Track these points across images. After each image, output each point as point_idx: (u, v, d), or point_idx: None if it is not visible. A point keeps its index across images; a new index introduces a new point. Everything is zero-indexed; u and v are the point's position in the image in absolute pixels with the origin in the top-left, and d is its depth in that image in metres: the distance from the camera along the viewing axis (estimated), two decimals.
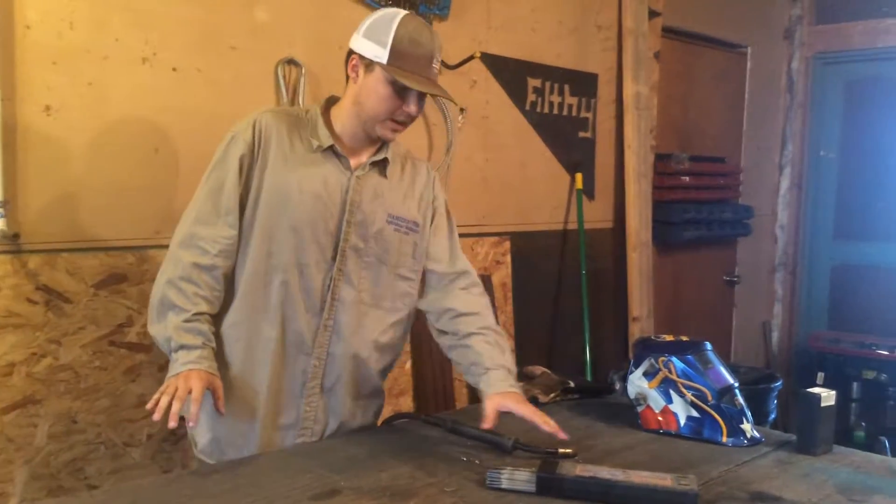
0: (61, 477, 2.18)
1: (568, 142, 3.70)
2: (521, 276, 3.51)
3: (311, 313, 1.76)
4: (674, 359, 1.86)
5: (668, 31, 4.13)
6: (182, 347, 1.63)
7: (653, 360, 1.89)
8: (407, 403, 3.06)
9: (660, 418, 1.86)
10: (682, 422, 1.83)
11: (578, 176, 3.72)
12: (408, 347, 3.06)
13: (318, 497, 1.40)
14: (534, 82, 3.51)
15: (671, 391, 1.85)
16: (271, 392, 1.75)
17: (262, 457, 1.66)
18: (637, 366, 1.91)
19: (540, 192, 3.61)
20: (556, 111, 3.62)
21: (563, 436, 1.64)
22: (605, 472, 1.46)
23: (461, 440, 1.71)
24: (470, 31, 3.20)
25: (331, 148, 1.76)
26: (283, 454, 1.68)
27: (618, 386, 2.09)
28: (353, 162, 1.79)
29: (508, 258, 3.46)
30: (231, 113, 2.23)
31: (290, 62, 2.65)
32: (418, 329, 3.03)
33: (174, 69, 2.35)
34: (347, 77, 1.78)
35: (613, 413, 2.00)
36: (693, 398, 1.82)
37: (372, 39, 1.71)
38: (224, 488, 1.43)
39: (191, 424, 1.62)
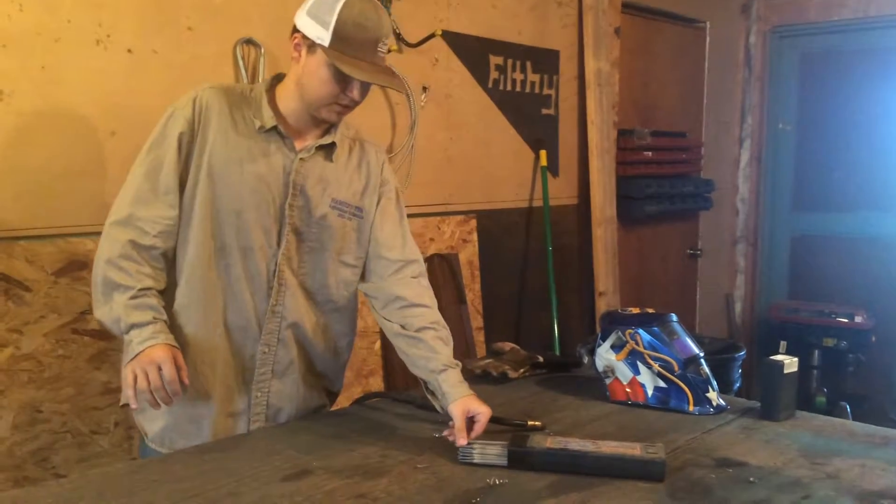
0: (27, 467, 2.15)
1: (531, 119, 3.71)
2: (488, 254, 3.52)
3: (257, 298, 1.72)
4: (640, 331, 1.89)
5: (627, 7, 4.14)
6: (134, 326, 1.58)
7: (620, 333, 1.91)
8: (377, 383, 3.07)
9: (628, 390, 1.89)
10: (650, 392, 1.86)
11: (542, 153, 3.73)
12: (377, 328, 3.06)
13: (289, 478, 1.40)
14: (496, 60, 3.50)
15: (638, 363, 1.87)
16: (221, 379, 1.72)
17: (229, 440, 1.65)
18: (604, 339, 1.93)
19: (505, 170, 3.61)
20: (518, 88, 3.62)
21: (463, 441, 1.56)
22: (574, 444, 1.47)
23: (430, 416, 1.72)
24: (431, 8, 3.18)
25: (274, 128, 1.71)
26: (250, 437, 1.67)
27: (586, 359, 2.11)
28: (297, 143, 1.74)
29: (475, 236, 3.46)
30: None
31: (249, 42, 2.61)
32: None
33: (129, 51, 2.30)
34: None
35: (582, 386, 2.02)
36: (660, 369, 1.85)
37: (315, 19, 1.64)
38: (192, 472, 1.42)
39: (178, 396, 1.57)
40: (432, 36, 3.09)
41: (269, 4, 2.64)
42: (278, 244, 1.73)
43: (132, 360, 1.56)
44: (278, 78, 1.78)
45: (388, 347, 3.08)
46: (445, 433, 1.61)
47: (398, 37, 3.05)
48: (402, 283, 1.83)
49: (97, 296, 1.65)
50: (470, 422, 1.59)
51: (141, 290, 1.62)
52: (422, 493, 1.34)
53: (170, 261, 1.70)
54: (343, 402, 2.87)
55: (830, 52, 4.87)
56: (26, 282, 2.13)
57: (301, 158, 1.73)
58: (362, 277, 1.87)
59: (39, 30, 2.14)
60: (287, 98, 1.72)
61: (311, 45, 1.64)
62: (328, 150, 1.77)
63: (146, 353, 1.55)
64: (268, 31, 2.65)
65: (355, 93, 1.67)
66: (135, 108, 2.31)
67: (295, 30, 1.68)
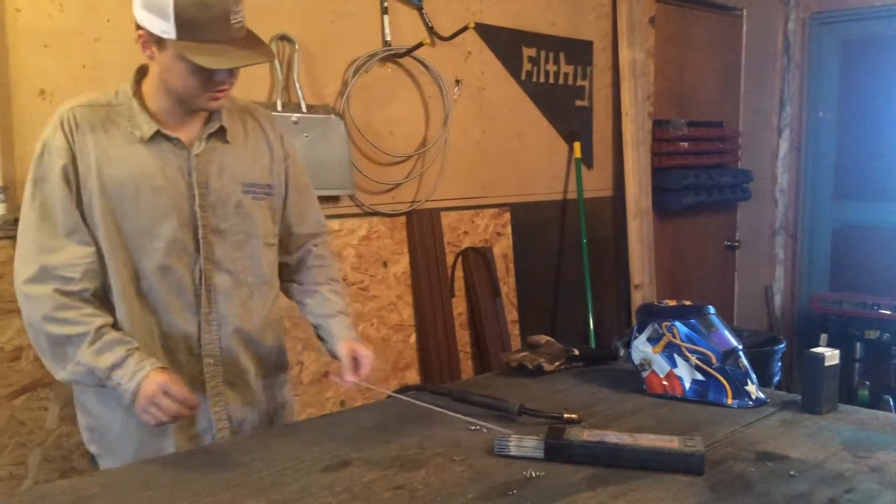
0: (73, 458, 2.20)
1: (565, 111, 3.69)
2: (522, 247, 3.51)
3: (188, 312, 1.65)
4: (677, 323, 1.87)
5: None
6: (113, 368, 1.52)
7: (656, 326, 1.89)
8: (413, 376, 3.08)
9: (665, 383, 1.87)
10: (687, 385, 1.84)
11: (576, 145, 3.71)
12: (412, 321, 3.07)
13: (328, 469, 1.41)
14: (529, 52, 3.49)
15: (675, 355, 1.85)
16: None
17: (271, 431, 1.67)
18: (641, 331, 1.92)
19: (538, 163, 3.60)
20: (552, 80, 3.61)
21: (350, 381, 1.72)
22: (612, 437, 1.47)
23: (467, 409, 1.72)
24: (463, 1, 3.18)
25: (157, 133, 1.60)
26: (289, 430, 1.69)
27: (622, 352, 2.10)
28: (185, 137, 1.62)
29: (509, 229, 3.46)
30: None
31: (283, 38, 2.63)
32: (421, 303, 3.05)
33: None
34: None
35: (618, 379, 2.01)
36: (697, 361, 1.83)
37: (152, 11, 1.48)
38: (234, 463, 1.44)
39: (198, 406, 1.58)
40: (465, 29, 3.09)
41: (304, 1, 2.66)
42: (197, 250, 1.64)
43: (135, 402, 1.51)
44: (143, 72, 1.64)
45: (423, 341, 3.09)
46: (332, 375, 1.71)
47: (430, 30, 3.05)
48: (305, 250, 1.88)
49: (50, 360, 1.57)
50: (356, 365, 1.70)
51: (97, 330, 1.53)
52: (459, 484, 1.35)
53: (102, 297, 1.60)
54: (380, 394, 2.90)
55: (872, 39, 4.76)
56: None
57: (196, 155, 1.64)
58: (284, 268, 1.87)
59: (80, 29, 2.18)
60: (156, 96, 1.60)
61: (159, 41, 1.51)
62: (220, 133, 1.67)
63: (143, 390, 1.50)
64: (302, 26, 2.67)
65: (222, 77, 1.55)
66: None
67: (138, 26, 1.53)
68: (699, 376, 1.83)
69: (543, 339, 2.28)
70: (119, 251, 1.59)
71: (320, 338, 1.84)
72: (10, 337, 2.09)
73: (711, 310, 1.92)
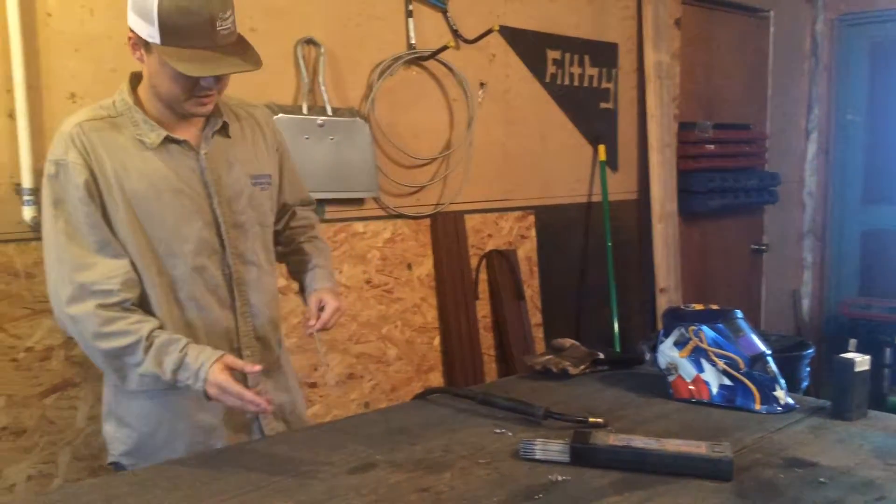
0: (102, 457, 2.22)
1: (589, 113, 3.68)
2: (547, 250, 3.51)
3: (225, 309, 1.69)
4: (704, 327, 1.85)
5: None
6: (175, 371, 1.53)
7: (683, 330, 1.87)
8: (437, 379, 3.09)
9: (691, 387, 1.86)
10: (715, 390, 1.82)
11: (601, 147, 3.70)
12: (436, 323, 3.08)
13: (355, 471, 1.42)
14: (553, 54, 3.48)
15: (702, 360, 1.84)
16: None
17: (295, 433, 1.68)
18: (667, 335, 1.90)
19: (563, 165, 3.59)
20: (576, 83, 3.59)
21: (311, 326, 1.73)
22: (638, 441, 1.46)
23: (492, 412, 1.72)
24: (488, 4, 3.18)
25: (164, 138, 1.61)
26: (315, 430, 1.70)
27: (648, 356, 2.08)
28: (190, 138, 1.65)
29: (533, 232, 3.45)
30: (252, 95, 2.24)
31: (310, 42, 2.65)
32: (445, 306, 3.05)
33: None
34: None
35: (644, 383, 1.99)
36: (725, 366, 1.81)
37: (140, 15, 1.48)
38: (261, 463, 1.45)
39: (266, 405, 1.52)
40: (490, 31, 3.09)
41: (329, 5, 2.68)
42: (223, 246, 1.68)
43: (210, 398, 1.53)
44: (137, 79, 1.65)
45: (447, 343, 3.09)
46: (310, 324, 1.73)
47: (455, 33, 3.05)
48: (291, 215, 1.93)
49: (112, 374, 1.61)
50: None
51: (147, 336, 1.54)
52: (484, 488, 1.35)
53: (142, 307, 1.61)
54: (404, 396, 2.91)
55: None
56: None
57: (205, 154, 1.66)
58: (274, 236, 1.89)
59: (110, 33, 2.21)
60: (152, 101, 1.62)
61: (146, 45, 1.51)
62: (222, 129, 1.70)
63: (209, 392, 1.52)
64: (328, 30, 2.69)
65: (210, 84, 1.55)
66: None
67: (130, 28, 1.54)
68: (727, 381, 1.81)
69: (568, 342, 2.27)
70: (152, 260, 1.60)
71: (301, 292, 1.87)
72: (41, 337, 2.12)
73: (739, 314, 1.90)
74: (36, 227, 2.09)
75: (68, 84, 2.15)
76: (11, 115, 2.06)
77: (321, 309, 1.75)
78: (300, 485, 1.36)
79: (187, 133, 1.65)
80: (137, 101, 1.62)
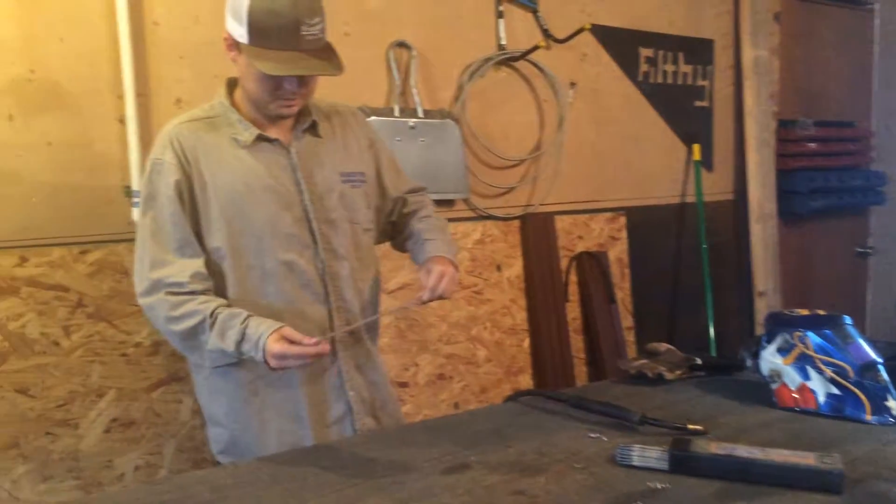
0: (204, 450, 2.31)
1: (683, 112, 3.59)
2: (638, 252, 3.44)
3: (318, 303, 1.72)
4: (810, 334, 1.77)
5: None
6: (240, 343, 1.57)
7: (787, 336, 1.80)
8: (526, 381, 3.07)
9: (796, 396, 1.78)
10: (822, 399, 1.74)
11: (696, 147, 3.60)
12: (525, 325, 3.06)
13: (449, 471, 1.42)
14: (646, 52, 3.41)
15: (808, 367, 1.76)
16: (310, 394, 1.73)
17: (388, 432, 1.70)
18: (770, 341, 1.83)
19: (655, 165, 3.51)
20: (670, 80, 3.51)
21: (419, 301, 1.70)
22: (742, 451, 1.40)
23: (585, 416, 1.69)
24: (579, 3, 3.14)
25: (257, 136, 1.67)
26: (408, 429, 1.71)
27: (749, 363, 2.01)
28: (281, 136, 1.70)
29: (624, 234, 3.39)
30: (345, 97, 2.28)
31: (401, 45, 2.68)
32: (535, 308, 3.03)
33: None
34: None
35: (744, 390, 1.93)
36: (833, 374, 1.73)
37: (234, 16, 1.56)
38: (358, 461, 1.47)
39: (325, 348, 1.55)
40: (581, 31, 3.06)
41: (421, 8, 2.70)
42: (315, 242, 1.71)
43: (273, 368, 1.56)
44: (232, 83, 1.73)
45: (537, 345, 3.07)
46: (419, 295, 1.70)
47: (545, 32, 3.03)
48: (404, 202, 1.92)
49: (191, 354, 1.67)
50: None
51: (212, 313, 1.59)
52: (581, 493, 1.33)
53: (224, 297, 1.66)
54: (494, 398, 2.90)
55: None
56: None
57: (296, 151, 1.71)
58: (393, 228, 1.91)
59: (213, 40, 2.28)
60: (246, 102, 1.69)
61: (238, 45, 1.58)
62: (312, 128, 1.75)
63: (269, 363, 1.55)
64: (419, 33, 2.71)
65: (288, 86, 1.60)
66: None
67: (227, 31, 1.62)
68: (835, 390, 1.73)
69: (663, 346, 2.21)
70: (242, 255, 1.65)
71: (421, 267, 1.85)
72: (150, 332, 2.22)
73: (848, 320, 1.81)
74: None
75: (174, 90, 2.24)
76: (122, 121, 2.16)
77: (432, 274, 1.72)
78: (395, 482, 1.37)
79: (279, 133, 1.71)
80: (233, 103, 1.70)
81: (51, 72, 2.07)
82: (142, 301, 1.63)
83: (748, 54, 3.69)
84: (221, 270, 1.66)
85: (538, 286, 3.06)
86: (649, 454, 1.43)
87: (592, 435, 1.60)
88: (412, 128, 2.69)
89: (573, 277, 3.24)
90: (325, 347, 1.55)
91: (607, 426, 1.64)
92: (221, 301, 1.63)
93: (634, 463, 1.43)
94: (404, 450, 1.53)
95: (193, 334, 1.60)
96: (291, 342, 1.53)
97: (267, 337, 1.54)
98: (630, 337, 3.40)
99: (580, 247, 3.25)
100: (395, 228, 1.94)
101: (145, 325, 2.21)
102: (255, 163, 1.66)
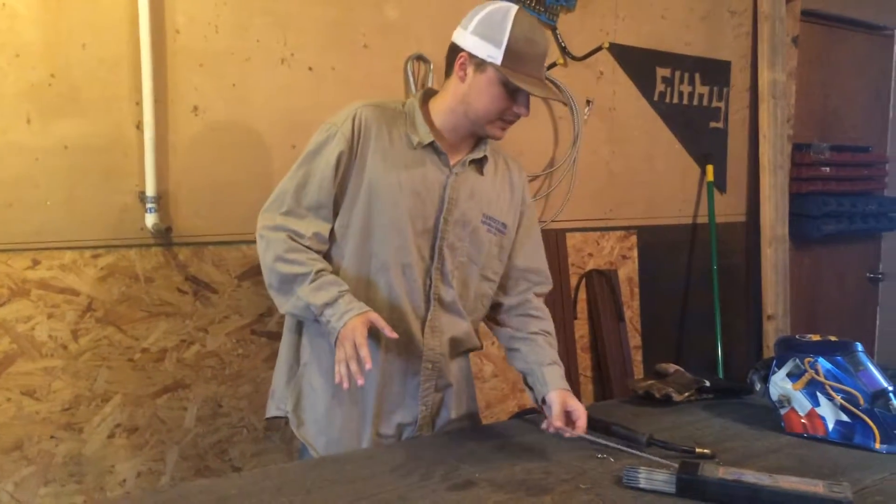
0: (208, 458, 2.31)
1: (698, 133, 3.58)
2: (648, 271, 3.43)
3: (415, 314, 1.74)
4: (821, 360, 1.77)
5: (807, 15, 3.91)
6: (326, 306, 1.60)
7: (798, 361, 1.80)
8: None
9: (804, 422, 1.77)
10: (831, 426, 1.73)
11: (709, 168, 3.59)
12: None
13: (455, 487, 1.42)
14: (663, 72, 3.41)
15: (818, 393, 1.75)
16: (383, 393, 1.75)
17: (396, 446, 1.69)
18: (780, 366, 1.83)
19: (668, 185, 3.51)
20: (685, 101, 3.51)
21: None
22: (749, 476, 1.40)
23: (591, 435, 1.69)
24: (598, 21, 3.15)
25: (430, 144, 1.71)
26: (415, 443, 1.71)
27: (758, 387, 2.00)
28: (451, 158, 1.74)
29: (635, 252, 3.38)
30: None
31: (419, 58, 2.69)
32: None
33: (310, 68, 2.44)
34: (447, 72, 1.72)
35: (752, 414, 1.92)
36: (843, 401, 1.72)
37: (484, 38, 1.63)
38: (363, 474, 1.47)
39: (368, 366, 1.53)
40: (599, 49, 3.06)
41: (438, 21, 2.71)
42: (432, 258, 1.74)
43: (337, 339, 1.58)
44: (429, 93, 1.79)
45: None
46: (543, 426, 1.66)
47: (563, 50, 3.04)
48: (530, 295, 1.90)
49: (279, 295, 1.68)
50: (568, 418, 1.65)
51: (317, 272, 1.64)
52: None
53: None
54: (499, 414, 2.89)
55: None
56: (213, 284, 2.30)
57: (456, 173, 1.74)
58: (498, 289, 1.89)
59: (232, 50, 2.30)
60: (443, 114, 1.72)
61: (481, 64, 1.64)
62: (479, 164, 1.79)
63: (348, 328, 1.56)
64: (437, 47, 2.71)
65: (523, 109, 1.68)
66: (314, 123, 2.38)
67: (458, 49, 1.68)
68: (844, 417, 1.72)
69: (672, 367, 2.21)
70: (368, 242, 1.70)
71: (528, 385, 1.83)
72: (157, 339, 2.22)
73: (859, 347, 1.80)
74: (157, 234, 2.20)
75: (191, 98, 2.26)
76: (139, 127, 2.17)
77: (567, 412, 1.69)
78: (401, 497, 1.36)
79: (452, 153, 1.75)
80: (424, 109, 1.75)
81: (71, 77, 2.09)
82: (264, 232, 1.69)
83: (765, 77, 3.69)
84: (343, 243, 1.71)
85: (547, 303, 3.04)
86: (657, 477, 1.42)
87: (599, 455, 1.60)
88: None
89: (582, 295, 3.23)
90: (359, 379, 1.53)
91: (614, 447, 1.63)
92: (329, 266, 1.69)
93: (641, 485, 1.43)
94: (411, 465, 1.53)
95: (292, 280, 1.64)
96: (358, 338, 1.54)
97: (356, 314, 1.58)
98: (637, 356, 3.39)
99: (590, 264, 3.24)
100: (508, 313, 1.90)
101: (153, 330, 2.22)
102: (416, 165, 1.71)
